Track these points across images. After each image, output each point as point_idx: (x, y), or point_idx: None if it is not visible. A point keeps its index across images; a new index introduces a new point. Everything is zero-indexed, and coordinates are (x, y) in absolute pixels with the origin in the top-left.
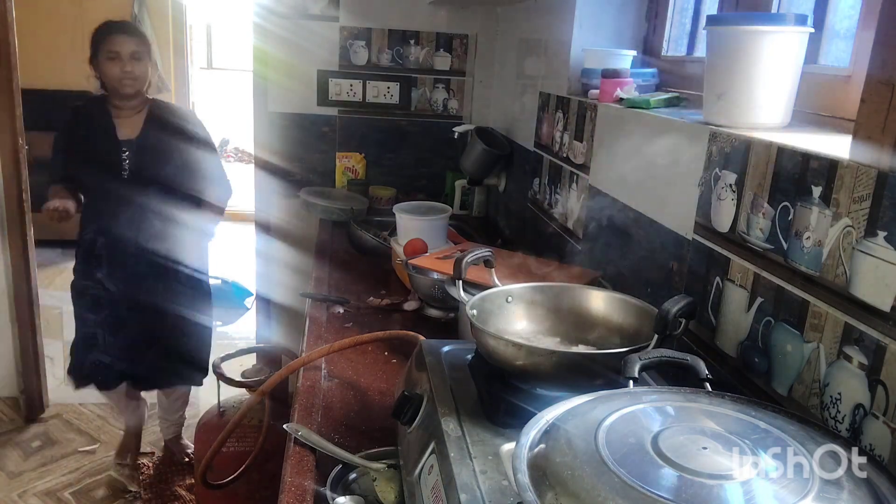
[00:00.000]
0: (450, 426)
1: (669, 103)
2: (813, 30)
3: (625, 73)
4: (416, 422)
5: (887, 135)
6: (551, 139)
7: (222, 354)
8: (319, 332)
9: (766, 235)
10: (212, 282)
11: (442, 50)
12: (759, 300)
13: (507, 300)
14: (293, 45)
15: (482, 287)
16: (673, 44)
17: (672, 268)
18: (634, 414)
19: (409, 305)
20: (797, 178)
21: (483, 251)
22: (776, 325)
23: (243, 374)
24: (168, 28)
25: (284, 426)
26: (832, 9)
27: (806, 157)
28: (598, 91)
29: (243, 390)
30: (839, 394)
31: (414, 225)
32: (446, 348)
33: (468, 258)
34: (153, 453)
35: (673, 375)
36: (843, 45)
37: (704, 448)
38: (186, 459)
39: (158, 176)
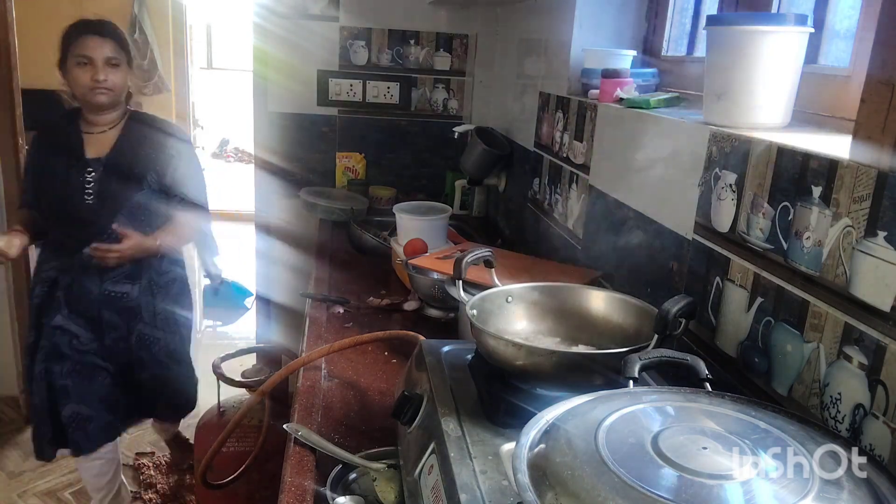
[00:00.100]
0: (450, 426)
1: (669, 103)
2: (813, 30)
3: (625, 73)
4: (416, 422)
5: (887, 135)
6: (551, 139)
7: (222, 354)
8: (319, 332)
9: (766, 235)
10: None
11: (442, 50)
12: (759, 300)
13: (507, 300)
14: (293, 45)
15: (482, 287)
16: (673, 44)
17: (672, 268)
18: (634, 414)
19: (409, 305)
20: (797, 178)
21: (483, 251)
22: (776, 325)
23: (243, 374)
24: (168, 28)
25: (284, 426)
26: (832, 9)
27: (806, 157)
28: (598, 91)
29: (243, 390)
30: (839, 394)
31: (414, 225)
32: (446, 348)
33: (468, 258)
34: (153, 453)
35: (673, 375)
36: (843, 45)
37: (704, 448)
38: (191, 442)
39: (128, 201)
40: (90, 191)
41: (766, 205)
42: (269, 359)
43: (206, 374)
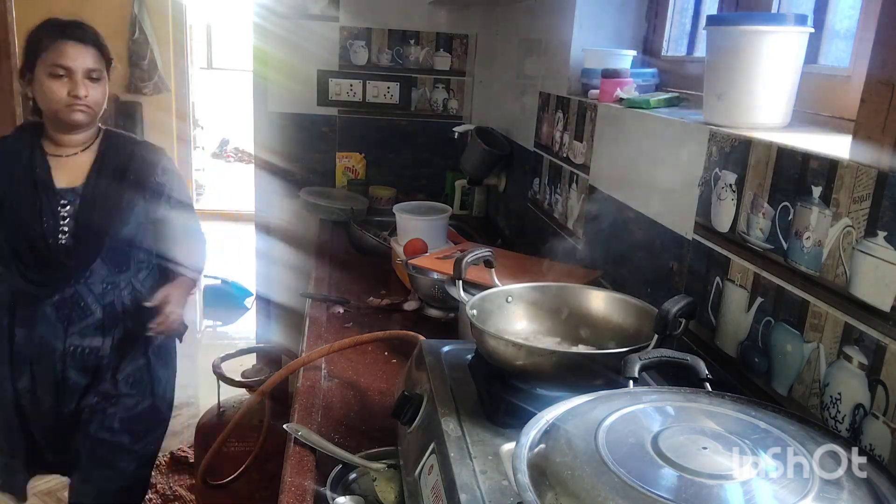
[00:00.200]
0: (450, 426)
1: (669, 103)
2: (813, 30)
3: (625, 73)
4: (416, 422)
5: (887, 135)
6: (551, 139)
7: (222, 354)
8: (319, 332)
9: (766, 235)
10: (212, 282)
11: (442, 50)
12: (759, 300)
13: (507, 300)
14: (293, 45)
15: (482, 287)
16: (673, 44)
17: (672, 268)
18: (634, 414)
19: (409, 305)
20: (797, 178)
21: (483, 251)
22: (776, 325)
23: (243, 374)
24: (168, 28)
25: (284, 426)
26: (832, 9)
27: (806, 157)
28: (598, 91)
29: (243, 390)
30: (839, 394)
31: (414, 225)
32: (446, 348)
33: (468, 258)
34: None
35: (673, 375)
36: (843, 45)
37: (704, 448)
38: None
39: (113, 240)
40: (65, 228)
41: (766, 205)
42: (269, 359)
43: (206, 374)
